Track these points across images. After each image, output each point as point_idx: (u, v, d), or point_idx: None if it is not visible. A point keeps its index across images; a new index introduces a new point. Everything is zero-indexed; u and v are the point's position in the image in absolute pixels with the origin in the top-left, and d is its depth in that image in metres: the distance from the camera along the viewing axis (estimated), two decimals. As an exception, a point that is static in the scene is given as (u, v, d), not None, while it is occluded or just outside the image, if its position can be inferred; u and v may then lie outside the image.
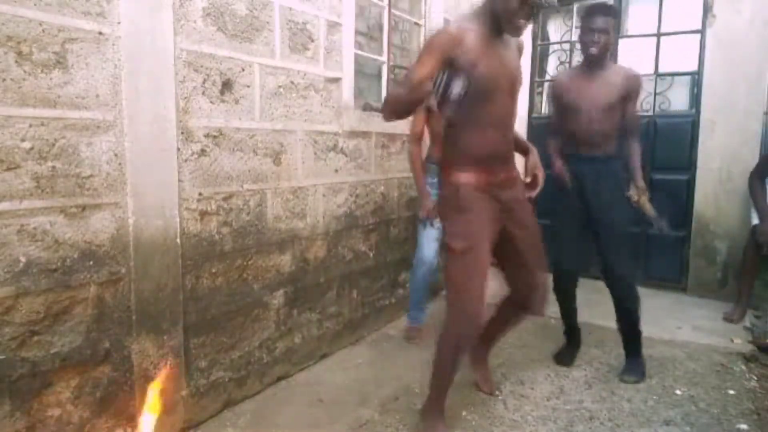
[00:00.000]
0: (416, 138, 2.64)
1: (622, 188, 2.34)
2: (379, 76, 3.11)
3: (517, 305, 2.04)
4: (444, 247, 1.93)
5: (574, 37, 4.00)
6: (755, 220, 2.96)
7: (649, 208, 2.37)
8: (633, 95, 2.31)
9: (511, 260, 1.92)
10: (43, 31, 1.42)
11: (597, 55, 2.24)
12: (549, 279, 2.13)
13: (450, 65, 1.59)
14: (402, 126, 3.08)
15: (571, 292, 2.48)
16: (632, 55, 3.64)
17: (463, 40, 1.64)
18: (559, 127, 2.43)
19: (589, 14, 2.27)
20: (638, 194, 2.35)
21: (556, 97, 2.41)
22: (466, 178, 1.76)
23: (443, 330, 1.82)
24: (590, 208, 2.30)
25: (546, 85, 4.32)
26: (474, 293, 1.73)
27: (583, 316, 3.02)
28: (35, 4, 1.40)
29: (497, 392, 2.21)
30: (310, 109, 2.36)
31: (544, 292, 1.99)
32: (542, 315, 2.08)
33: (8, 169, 1.37)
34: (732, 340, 2.76)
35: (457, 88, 1.51)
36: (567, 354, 2.54)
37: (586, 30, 2.25)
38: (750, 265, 3.03)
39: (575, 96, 2.30)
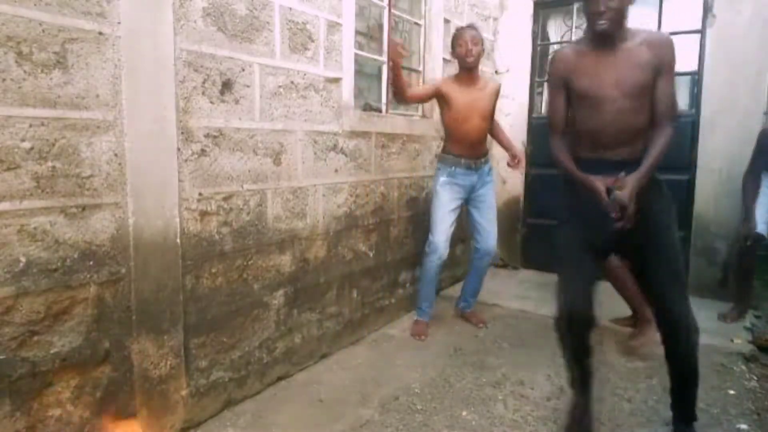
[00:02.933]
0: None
1: (669, 199, 1.78)
2: (379, 76, 3.11)
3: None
4: None
5: (575, 37, 4.00)
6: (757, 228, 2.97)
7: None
8: (666, 68, 1.70)
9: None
10: (43, 31, 1.42)
11: (609, 31, 1.68)
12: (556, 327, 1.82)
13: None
14: (401, 126, 3.09)
15: (587, 343, 1.78)
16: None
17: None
18: (566, 124, 1.85)
19: None
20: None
21: (563, 81, 1.79)
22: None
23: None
24: (631, 233, 1.65)
25: (546, 85, 4.32)
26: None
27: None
28: (35, 4, 1.40)
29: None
30: (310, 109, 2.36)
31: None
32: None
33: (8, 169, 1.38)
34: (732, 340, 2.76)
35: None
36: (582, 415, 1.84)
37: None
38: (744, 268, 3.05)
39: (589, 81, 1.72)
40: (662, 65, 1.69)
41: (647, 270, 1.74)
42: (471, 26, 2.79)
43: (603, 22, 1.65)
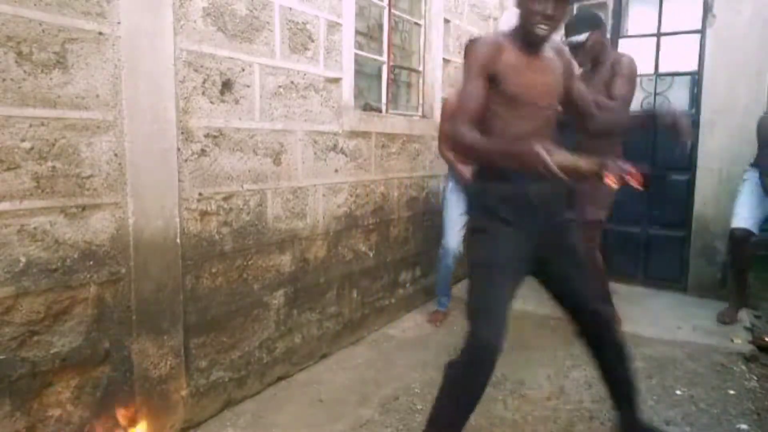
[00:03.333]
0: None
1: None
2: (379, 76, 3.11)
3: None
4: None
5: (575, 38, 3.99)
6: (734, 224, 2.93)
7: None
8: (573, 72, 1.75)
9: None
10: (43, 31, 1.42)
11: (548, 37, 1.58)
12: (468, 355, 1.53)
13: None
14: (401, 126, 3.09)
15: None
16: (633, 55, 3.64)
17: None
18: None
19: None
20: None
21: (487, 71, 1.57)
22: None
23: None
24: (551, 242, 1.63)
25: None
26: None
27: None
28: (35, 4, 1.40)
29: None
30: (310, 109, 2.36)
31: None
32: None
33: (8, 169, 1.38)
34: (732, 340, 2.76)
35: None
36: None
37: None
38: (736, 265, 3.03)
39: (524, 84, 1.58)
40: (570, 71, 1.70)
41: (567, 278, 1.66)
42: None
43: (546, 27, 1.52)
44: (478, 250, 1.63)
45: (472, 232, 1.70)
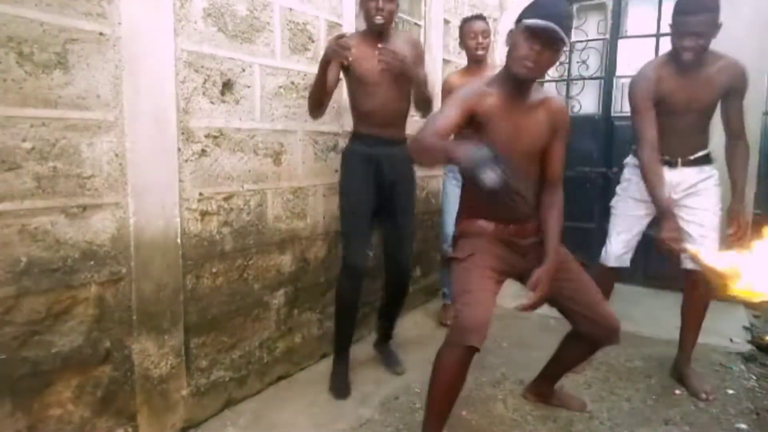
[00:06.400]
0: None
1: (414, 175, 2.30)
2: (379, 76, 3.11)
3: (586, 341, 1.87)
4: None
5: (574, 37, 4.00)
6: (607, 260, 2.40)
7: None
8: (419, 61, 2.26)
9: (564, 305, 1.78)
10: (44, 31, 1.42)
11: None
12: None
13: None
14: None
15: (358, 296, 2.22)
16: (632, 56, 3.65)
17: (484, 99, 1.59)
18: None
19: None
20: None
21: None
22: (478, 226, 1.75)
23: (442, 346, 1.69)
24: (389, 196, 2.21)
25: (545, 86, 4.32)
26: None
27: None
28: (36, 5, 1.40)
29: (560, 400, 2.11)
30: (311, 109, 2.36)
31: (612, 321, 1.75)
32: (618, 342, 1.81)
33: (9, 169, 1.38)
34: (731, 340, 2.76)
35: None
36: (342, 382, 2.24)
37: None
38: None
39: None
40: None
41: (392, 227, 2.27)
42: (479, 16, 2.81)
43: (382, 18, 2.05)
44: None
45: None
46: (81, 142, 1.52)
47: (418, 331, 2.97)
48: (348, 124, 2.59)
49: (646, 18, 3.63)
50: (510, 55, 1.58)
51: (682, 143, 2.21)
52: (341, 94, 2.53)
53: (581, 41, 4.01)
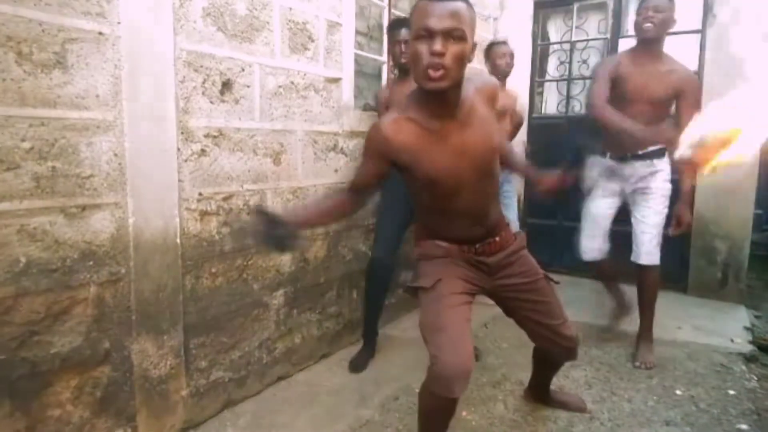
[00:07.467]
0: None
1: None
2: (379, 76, 3.11)
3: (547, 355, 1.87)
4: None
5: (575, 37, 4.00)
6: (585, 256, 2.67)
7: None
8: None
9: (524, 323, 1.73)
10: (43, 31, 1.42)
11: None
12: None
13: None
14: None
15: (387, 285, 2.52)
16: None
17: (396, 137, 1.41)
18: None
19: None
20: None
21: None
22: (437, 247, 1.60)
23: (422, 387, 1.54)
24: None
25: (546, 85, 4.32)
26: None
27: (585, 316, 3.02)
28: (35, 5, 1.40)
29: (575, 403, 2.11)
30: (310, 109, 2.36)
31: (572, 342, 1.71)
32: (575, 359, 1.84)
33: (8, 169, 1.37)
34: (732, 340, 2.76)
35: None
36: (361, 359, 2.47)
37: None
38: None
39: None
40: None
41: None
42: (505, 42, 2.93)
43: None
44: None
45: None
46: (80, 141, 1.52)
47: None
48: (348, 123, 2.59)
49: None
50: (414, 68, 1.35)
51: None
52: (340, 93, 2.53)
53: (582, 41, 4.01)
